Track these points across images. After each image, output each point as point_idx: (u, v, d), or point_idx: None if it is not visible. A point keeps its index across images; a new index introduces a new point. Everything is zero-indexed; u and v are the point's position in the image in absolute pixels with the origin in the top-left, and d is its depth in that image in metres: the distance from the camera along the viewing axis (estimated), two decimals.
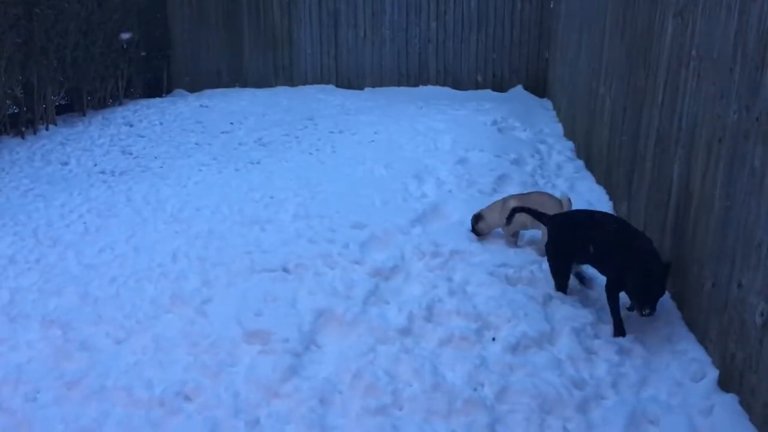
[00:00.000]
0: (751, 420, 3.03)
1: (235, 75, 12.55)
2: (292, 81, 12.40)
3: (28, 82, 9.12)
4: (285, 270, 4.78)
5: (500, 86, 11.65)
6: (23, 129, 9.16)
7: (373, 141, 8.29)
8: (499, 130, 8.39)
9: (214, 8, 12.40)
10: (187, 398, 3.47)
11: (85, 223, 6.01)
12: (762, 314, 2.93)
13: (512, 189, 6.26)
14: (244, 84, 12.48)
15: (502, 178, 6.56)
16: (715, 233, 3.52)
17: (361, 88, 12.07)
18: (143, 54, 11.79)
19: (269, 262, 4.88)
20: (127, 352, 3.90)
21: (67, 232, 5.78)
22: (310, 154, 8.08)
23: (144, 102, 11.46)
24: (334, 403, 3.46)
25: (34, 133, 9.33)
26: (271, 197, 6.45)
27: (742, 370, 3.14)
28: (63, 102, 10.44)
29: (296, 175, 7.13)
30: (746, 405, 3.11)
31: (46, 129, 9.56)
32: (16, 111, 9.22)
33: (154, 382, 3.57)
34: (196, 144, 8.93)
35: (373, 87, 12.04)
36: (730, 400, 3.21)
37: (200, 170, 7.65)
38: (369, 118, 9.56)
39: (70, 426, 3.24)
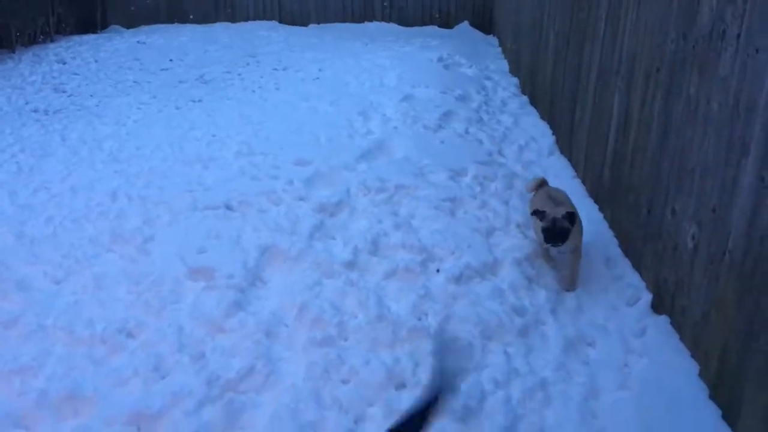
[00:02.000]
0: (682, 339, 3.17)
1: (174, 10, 12.07)
2: (233, 17, 12.02)
3: None
4: (228, 207, 4.71)
5: (446, 22, 11.54)
6: None
7: (317, 78, 8.16)
8: (445, 66, 8.34)
9: None
10: (130, 335, 3.43)
11: (18, 162, 5.79)
12: (693, 238, 3.04)
13: (458, 125, 6.26)
14: (184, 20, 12.03)
15: (447, 115, 6.54)
16: (651, 162, 3.60)
17: (306, 25, 11.79)
18: None
19: (212, 200, 4.80)
20: (66, 292, 3.81)
21: None
22: (253, 91, 7.91)
23: (77, 38, 10.96)
24: (280, 336, 3.47)
25: None
26: (213, 135, 6.31)
27: (674, 292, 3.26)
28: None
29: (239, 113, 6.98)
30: (677, 325, 3.24)
31: None
32: None
33: (95, 321, 3.51)
34: (135, 82, 8.62)
35: (318, 23, 11.78)
36: (663, 321, 3.35)
37: (139, 108, 7.41)
38: (313, 55, 9.37)
39: (9, 365, 3.17)
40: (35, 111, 7.47)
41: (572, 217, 3.75)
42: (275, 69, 8.81)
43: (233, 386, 3.12)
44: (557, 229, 3.70)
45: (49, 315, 3.55)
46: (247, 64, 9.23)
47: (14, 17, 9.85)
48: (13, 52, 9.98)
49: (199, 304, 3.66)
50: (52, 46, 10.48)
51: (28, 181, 5.36)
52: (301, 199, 4.83)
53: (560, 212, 3.73)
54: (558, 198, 4.07)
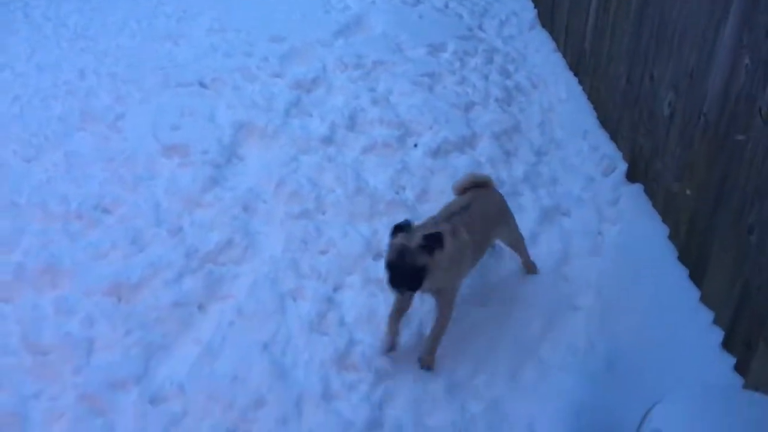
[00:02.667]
0: (654, 206, 3.22)
1: None
2: None
3: None
4: (201, 84, 4.59)
5: None
6: None
7: None
8: None
9: None
10: (106, 210, 3.42)
11: None
12: (670, 104, 3.01)
13: (437, 0, 6.03)
14: None
15: None
16: (631, 32, 3.51)
17: None
18: None
19: (184, 77, 4.67)
20: (38, 170, 3.76)
21: None
22: None
23: None
24: (257, 211, 3.48)
25: None
26: (184, 11, 6.03)
27: (649, 159, 3.28)
28: None
29: None
30: (650, 192, 3.28)
31: None
32: None
33: (69, 198, 3.48)
34: None
35: None
36: (636, 189, 3.39)
37: None
38: None
39: None
40: None
41: (438, 240, 2.50)
42: None
43: (212, 258, 3.16)
44: (399, 268, 2.48)
45: (22, 192, 3.52)
46: None
47: None
48: None
49: (175, 180, 3.63)
50: None
51: None
52: (277, 75, 4.70)
53: (418, 238, 2.48)
54: (472, 212, 2.78)
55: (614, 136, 3.81)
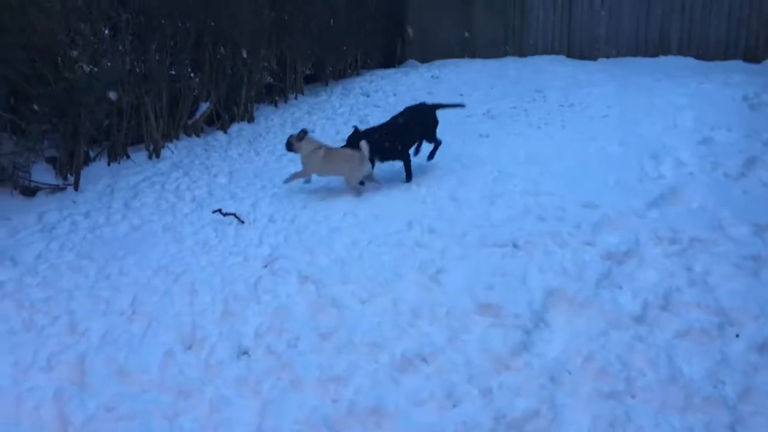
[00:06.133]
0: None
1: (466, 46, 12.74)
2: (521, 51, 12.32)
3: (282, 55, 10.04)
4: (515, 246, 4.88)
5: (754, 56, 10.56)
6: (276, 98, 10.16)
7: (606, 116, 8.02)
8: (751, 106, 7.67)
9: None
10: (425, 360, 3.75)
11: (330, 188, 6.55)
12: None
13: (764, 174, 5.74)
14: (473, 54, 12.62)
15: (752, 161, 6.02)
16: None
17: (594, 59, 11.65)
18: (380, 27, 12.39)
19: (499, 237, 5.01)
20: (370, 312, 4.27)
21: (315, 197, 6.32)
22: (539, 128, 8.03)
23: (379, 72, 12.08)
24: (564, 383, 3.54)
25: (285, 102, 10.30)
26: (500, 171, 6.55)
27: None
28: (309, 73, 11.33)
29: (525, 149, 7.14)
30: None
31: (295, 98, 10.50)
32: (271, 82, 10.23)
33: (395, 342, 3.89)
34: None
35: (607, 57, 11.55)
36: None
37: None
38: (602, 91, 9.22)
39: (325, 373, 3.67)
40: (344, 141, 8.39)
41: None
42: (562, 105, 8.85)
43: (518, 425, 3.27)
44: None
45: (357, 332, 4.02)
46: (534, 99, 9.39)
47: (329, 53, 11.19)
48: (326, 85, 11.34)
49: (487, 339, 3.87)
50: (358, 79, 11.69)
51: (337, 206, 6.02)
52: (588, 243, 4.82)
53: None
54: None
55: None
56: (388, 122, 6.66)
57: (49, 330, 4.01)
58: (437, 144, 6.78)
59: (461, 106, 7.51)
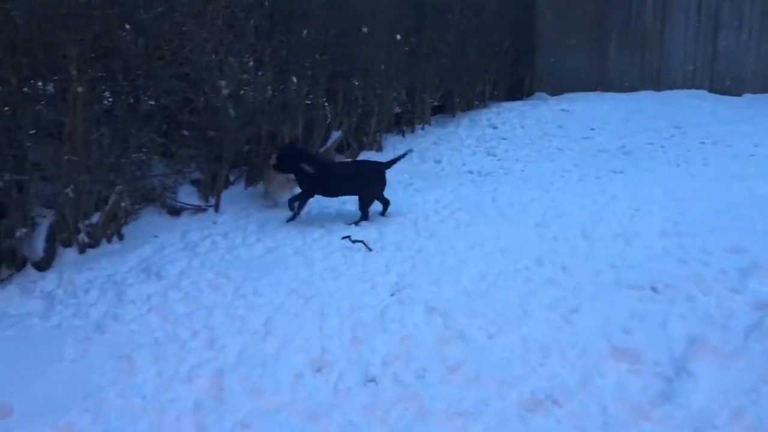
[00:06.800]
0: None
1: (598, 79, 12.43)
2: (658, 85, 11.86)
3: (411, 85, 10.21)
4: (653, 289, 4.64)
5: None
6: (404, 128, 10.33)
7: (752, 155, 7.56)
8: None
9: (582, 10, 12.40)
10: (556, 402, 3.61)
11: (457, 219, 6.55)
12: None
13: None
14: (606, 88, 12.29)
15: None
16: None
17: (739, 94, 11.01)
18: (509, 58, 12.35)
19: (636, 279, 4.79)
20: (497, 347, 4.17)
21: (441, 226, 6.34)
22: (678, 165, 7.68)
23: (506, 105, 12.02)
24: None
25: (412, 132, 10.45)
26: (636, 210, 6.30)
27: None
28: (436, 104, 11.45)
29: (662, 187, 6.84)
30: None
31: (422, 128, 10.63)
32: (399, 111, 10.41)
33: (523, 381, 3.78)
34: (558, 149, 9.09)
35: (754, 93, 10.89)
36: None
37: (562, 176, 7.78)
38: (748, 129, 8.71)
39: (453, 407, 3.61)
40: (470, 172, 8.40)
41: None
42: (703, 142, 8.43)
43: None
44: None
45: (485, 367, 3.94)
46: (672, 135, 9.00)
47: (458, 85, 11.25)
48: (453, 116, 11.41)
49: (624, 386, 3.68)
50: (484, 111, 11.68)
51: (464, 237, 6.01)
52: (735, 291, 4.51)
53: None
54: None
55: None
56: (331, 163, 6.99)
57: (190, 344, 4.20)
58: (385, 203, 6.70)
59: (410, 151, 7.27)
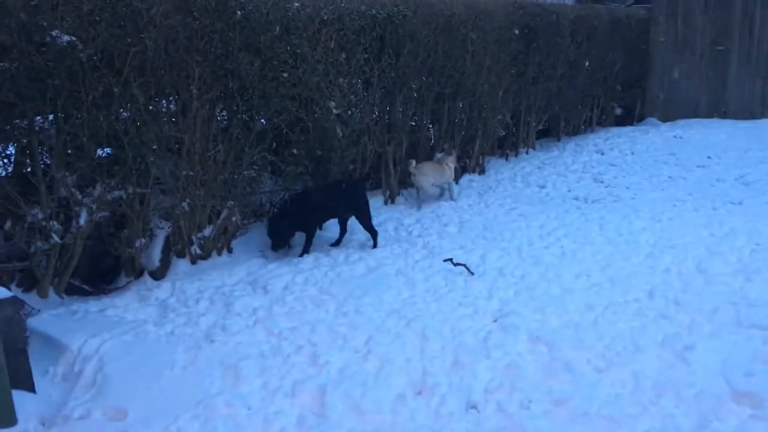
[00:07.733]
0: None
1: (714, 105, 11.85)
2: None
3: (517, 109, 10.08)
4: None
5: None
6: (508, 151, 10.19)
7: None
8: None
9: (699, 35, 11.90)
10: None
11: (562, 246, 6.37)
12: None
13: None
14: (724, 115, 11.69)
15: None
16: None
17: None
18: (620, 83, 11.98)
19: (759, 318, 4.51)
20: (606, 383, 4.00)
21: (546, 253, 6.18)
22: None
23: (614, 130, 11.66)
24: None
25: (516, 156, 10.30)
26: (757, 244, 5.94)
27: None
28: (541, 128, 11.24)
29: None
30: None
31: (526, 152, 10.46)
32: (503, 134, 10.29)
33: (634, 420, 3.60)
34: (669, 177, 8.71)
35: None
36: None
37: (674, 206, 7.44)
38: None
39: None
40: (576, 199, 8.17)
41: None
42: None
43: None
44: None
45: (593, 403, 3.78)
46: None
47: (565, 109, 11.01)
48: (559, 141, 11.16)
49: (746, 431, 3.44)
50: (591, 136, 11.36)
51: (570, 266, 5.84)
52: None
53: None
54: None
55: None
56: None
57: (294, 358, 4.27)
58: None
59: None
